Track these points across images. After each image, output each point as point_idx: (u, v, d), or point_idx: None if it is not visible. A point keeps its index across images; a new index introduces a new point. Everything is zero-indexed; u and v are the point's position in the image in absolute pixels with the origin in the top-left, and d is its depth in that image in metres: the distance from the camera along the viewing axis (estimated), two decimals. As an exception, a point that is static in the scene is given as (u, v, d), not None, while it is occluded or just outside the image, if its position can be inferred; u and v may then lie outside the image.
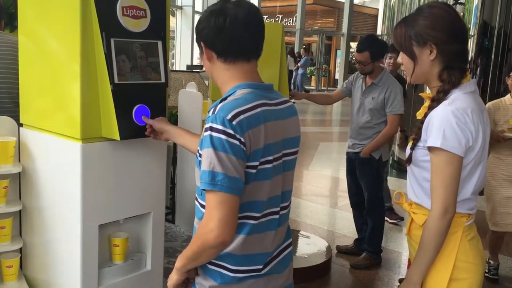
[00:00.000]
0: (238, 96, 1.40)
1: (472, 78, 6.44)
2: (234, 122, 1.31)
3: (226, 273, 1.42)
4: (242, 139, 1.31)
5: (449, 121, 1.50)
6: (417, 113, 1.68)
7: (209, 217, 1.32)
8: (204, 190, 1.34)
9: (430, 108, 1.58)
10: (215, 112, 1.34)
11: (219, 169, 1.29)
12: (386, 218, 4.90)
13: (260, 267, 1.45)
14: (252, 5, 1.48)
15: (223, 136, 1.30)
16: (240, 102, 1.37)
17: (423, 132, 1.57)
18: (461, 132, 1.50)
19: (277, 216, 1.49)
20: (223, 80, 1.49)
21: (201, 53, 1.52)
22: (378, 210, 3.86)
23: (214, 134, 1.31)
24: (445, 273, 1.56)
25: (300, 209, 5.21)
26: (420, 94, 1.73)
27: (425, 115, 1.59)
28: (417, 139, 1.60)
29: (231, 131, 1.30)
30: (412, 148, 1.63)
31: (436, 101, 1.56)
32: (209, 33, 1.43)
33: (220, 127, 1.31)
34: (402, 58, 1.64)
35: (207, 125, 1.34)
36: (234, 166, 1.30)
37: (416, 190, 1.66)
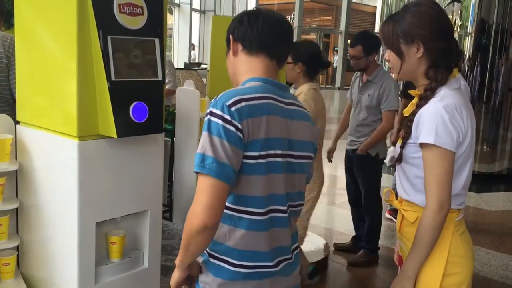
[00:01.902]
0: (246, 86, 1.44)
1: (471, 76, 6.45)
2: (232, 108, 1.33)
3: (228, 268, 1.41)
4: (239, 126, 1.32)
5: (441, 117, 1.51)
6: (404, 110, 1.69)
7: (195, 201, 1.33)
8: (195, 172, 1.35)
9: (418, 106, 1.59)
10: (217, 98, 1.37)
11: (210, 153, 1.30)
12: (391, 218, 4.90)
13: (271, 263, 1.44)
14: (284, 17, 1.57)
15: (220, 121, 1.32)
16: (245, 91, 1.40)
17: (413, 129, 1.58)
18: (452, 128, 1.51)
19: (285, 215, 1.48)
20: (241, 71, 1.53)
21: (228, 49, 1.56)
22: (375, 207, 3.86)
23: (212, 118, 1.33)
24: (439, 268, 1.58)
25: (297, 207, 5.20)
26: (408, 91, 1.74)
27: (413, 113, 1.60)
28: (406, 137, 1.61)
29: (228, 117, 1.32)
30: (402, 147, 1.64)
31: (424, 99, 1.58)
32: (240, 26, 1.50)
33: (218, 112, 1.33)
34: (389, 55, 1.67)
35: (208, 110, 1.37)
36: (226, 153, 1.31)
37: (406, 188, 1.66)
